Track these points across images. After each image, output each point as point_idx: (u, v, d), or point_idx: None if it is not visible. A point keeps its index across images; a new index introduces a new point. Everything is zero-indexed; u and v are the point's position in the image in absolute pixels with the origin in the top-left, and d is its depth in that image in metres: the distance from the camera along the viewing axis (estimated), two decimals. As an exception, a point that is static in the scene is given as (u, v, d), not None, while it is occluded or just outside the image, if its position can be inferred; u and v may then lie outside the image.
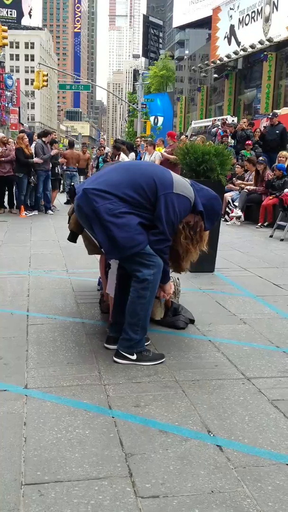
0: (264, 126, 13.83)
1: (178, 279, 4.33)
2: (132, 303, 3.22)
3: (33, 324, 3.98)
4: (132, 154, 12.18)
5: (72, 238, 4.00)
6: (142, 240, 3.11)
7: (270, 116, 13.08)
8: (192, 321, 4.04)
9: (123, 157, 11.41)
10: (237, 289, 5.20)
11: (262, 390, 2.89)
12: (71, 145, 15.50)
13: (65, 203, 14.10)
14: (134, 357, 3.24)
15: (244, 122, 14.28)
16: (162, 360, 3.27)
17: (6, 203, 12.12)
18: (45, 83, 25.18)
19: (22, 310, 4.34)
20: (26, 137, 11.69)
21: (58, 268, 6.01)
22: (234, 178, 11.41)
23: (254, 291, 5.10)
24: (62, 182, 15.45)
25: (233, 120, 21.75)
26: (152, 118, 42.19)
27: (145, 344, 3.39)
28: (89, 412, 2.63)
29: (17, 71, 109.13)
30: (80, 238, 4.11)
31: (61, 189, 15.94)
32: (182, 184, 3.22)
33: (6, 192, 12.12)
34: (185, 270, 3.67)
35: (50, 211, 11.94)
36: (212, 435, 2.43)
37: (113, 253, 3.23)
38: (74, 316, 4.21)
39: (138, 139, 16.54)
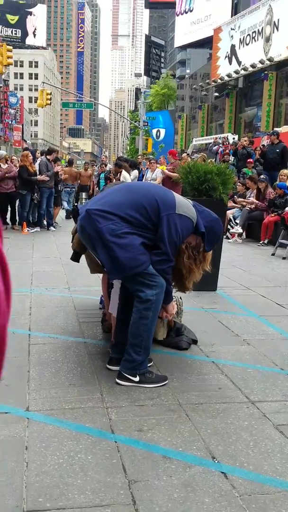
0: (263, 145, 13.90)
1: (180, 298, 4.31)
2: (134, 323, 3.20)
3: (35, 344, 3.95)
4: (135, 172, 12.19)
5: (75, 257, 4.00)
6: (145, 260, 3.10)
7: (269, 134, 13.14)
8: (195, 342, 4.01)
9: (124, 174, 11.42)
10: (239, 309, 5.17)
11: (266, 415, 2.85)
12: (70, 163, 15.98)
13: (66, 218, 14.16)
14: (137, 378, 3.20)
15: (245, 140, 14.35)
16: (165, 382, 3.24)
17: (8, 220, 12.13)
18: (48, 102, 25.42)
19: (24, 329, 4.31)
20: (31, 155, 11.75)
21: (60, 286, 5.99)
22: (235, 196, 11.44)
23: (257, 310, 5.07)
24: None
25: (234, 138, 21.87)
26: (154, 132, 42.87)
27: (148, 365, 3.35)
28: (92, 436, 2.59)
29: (21, 89, 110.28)
30: (82, 257, 4.10)
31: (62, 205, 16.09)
32: (184, 205, 3.21)
33: (9, 209, 12.13)
34: (189, 290, 3.65)
35: (52, 228, 11.95)
36: (216, 461, 2.39)
37: (115, 273, 3.22)
38: (76, 336, 4.18)
39: (140, 157, 16.64)
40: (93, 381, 3.27)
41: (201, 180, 5.60)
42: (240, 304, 5.35)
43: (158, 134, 43.94)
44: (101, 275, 4.43)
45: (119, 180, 11.10)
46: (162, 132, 44.74)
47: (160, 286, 3.16)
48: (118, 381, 3.23)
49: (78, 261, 4.07)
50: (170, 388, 3.19)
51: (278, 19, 28.60)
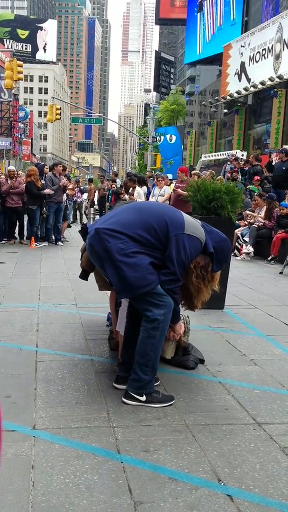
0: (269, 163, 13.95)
1: (188, 317, 4.31)
2: (142, 343, 3.21)
3: (42, 361, 3.97)
4: (144, 188, 12.20)
5: (84, 276, 4.02)
6: (153, 279, 3.12)
7: (279, 151, 13.18)
8: (202, 361, 4.01)
9: (138, 190, 11.45)
10: (247, 328, 5.16)
11: (273, 437, 2.84)
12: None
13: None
14: (144, 398, 3.21)
15: (251, 158, 14.39)
16: (172, 402, 3.24)
17: (16, 234, 12.21)
18: (58, 117, 25.68)
19: (31, 346, 4.33)
20: (37, 170, 11.89)
21: (67, 302, 6.01)
22: (243, 213, 11.45)
23: (264, 330, 5.06)
24: None
25: (242, 155, 21.96)
26: (168, 137, 43.92)
27: (155, 384, 3.36)
28: (98, 456, 2.59)
29: (31, 103, 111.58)
30: (91, 274, 4.13)
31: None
32: (193, 225, 3.24)
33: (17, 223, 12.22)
34: (198, 308, 3.65)
35: (60, 243, 12.01)
36: (222, 483, 2.39)
37: (124, 292, 3.24)
38: (83, 353, 4.19)
39: (148, 173, 16.71)
40: (100, 400, 3.28)
41: (209, 198, 5.63)
42: (247, 323, 5.34)
43: (171, 138, 45.09)
44: (108, 292, 4.45)
45: (132, 195, 11.16)
46: (174, 138, 45.82)
47: (168, 306, 3.17)
48: (124, 400, 3.23)
49: (87, 279, 4.09)
50: (176, 408, 3.19)
51: (288, 37, 28.84)
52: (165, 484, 2.37)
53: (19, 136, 60.06)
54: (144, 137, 36.68)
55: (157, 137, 37.15)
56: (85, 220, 18.09)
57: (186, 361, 3.91)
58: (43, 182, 11.91)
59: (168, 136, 45.19)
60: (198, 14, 46.28)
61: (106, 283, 3.80)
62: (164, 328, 3.22)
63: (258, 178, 12.91)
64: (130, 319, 3.47)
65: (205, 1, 44.78)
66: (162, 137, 43.17)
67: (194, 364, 3.91)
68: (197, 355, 4.03)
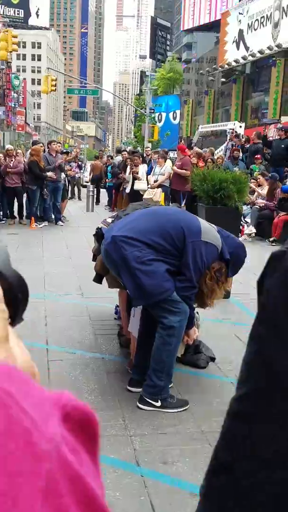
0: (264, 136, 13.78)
1: (197, 313, 4.30)
2: (157, 349, 3.21)
3: (53, 360, 3.97)
4: (145, 166, 12.03)
5: (98, 280, 4.01)
6: (169, 287, 3.11)
7: (277, 124, 13.03)
8: (212, 359, 4.03)
9: (142, 170, 11.35)
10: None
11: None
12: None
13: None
14: (159, 403, 3.23)
15: (254, 138, 14.21)
16: (186, 407, 3.26)
17: (16, 213, 12.09)
18: (53, 88, 25.18)
19: (41, 343, 4.33)
20: (42, 150, 11.62)
21: (73, 291, 5.99)
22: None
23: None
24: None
25: (240, 126, 21.69)
26: (171, 114, 43.41)
27: (169, 386, 3.37)
28: (117, 469, 2.61)
29: (24, 70, 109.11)
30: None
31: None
32: (209, 231, 3.21)
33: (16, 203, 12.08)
34: (211, 306, 3.64)
35: (60, 222, 11.92)
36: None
37: (140, 299, 3.22)
38: (93, 350, 4.19)
39: (149, 150, 16.46)
40: (114, 404, 3.30)
41: (216, 188, 5.58)
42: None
43: (159, 117, 44.48)
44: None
45: (137, 173, 11.04)
46: (163, 115, 45.20)
47: (184, 313, 3.16)
48: (139, 405, 3.25)
49: (101, 283, 4.08)
50: (191, 413, 3.21)
51: (287, 5, 28.19)
52: (187, 500, 2.40)
53: (13, 106, 58.95)
54: (141, 109, 35.98)
55: (157, 114, 36.57)
56: (83, 196, 17.91)
57: (198, 360, 3.93)
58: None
59: (171, 114, 44.12)
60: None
61: (117, 281, 3.78)
62: (180, 335, 3.22)
63: (258, 156, 12.78)
64: (144, 324, 3.46)
65: None
66: (164, 115, 42.37)
67: (205, 363, 3.93)
68: (208, 353, 4.04)
